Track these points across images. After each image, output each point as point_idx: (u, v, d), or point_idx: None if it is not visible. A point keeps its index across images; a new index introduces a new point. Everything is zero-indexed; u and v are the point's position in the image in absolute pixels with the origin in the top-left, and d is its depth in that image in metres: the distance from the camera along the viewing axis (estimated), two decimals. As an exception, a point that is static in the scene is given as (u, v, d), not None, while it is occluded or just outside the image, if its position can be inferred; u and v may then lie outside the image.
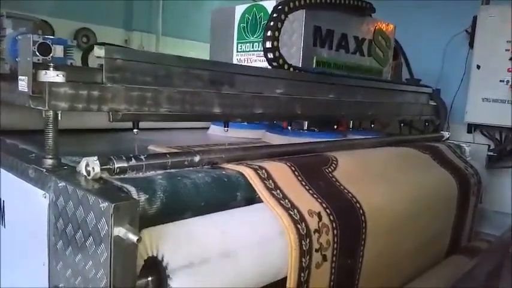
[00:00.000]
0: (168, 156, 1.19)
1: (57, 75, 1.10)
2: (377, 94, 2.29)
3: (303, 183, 1.41)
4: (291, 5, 1.91)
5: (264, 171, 1.31)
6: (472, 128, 3.08)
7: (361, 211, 1.50)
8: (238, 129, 2.12)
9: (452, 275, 1.82)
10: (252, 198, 1.27)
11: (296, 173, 1.42)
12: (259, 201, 1.26)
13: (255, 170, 1.30)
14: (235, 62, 2.28)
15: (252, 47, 2.18)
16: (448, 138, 2.67)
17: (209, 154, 1.29)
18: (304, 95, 1.83)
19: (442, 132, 2.71)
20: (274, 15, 1.86)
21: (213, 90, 1.43)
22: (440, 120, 2.86)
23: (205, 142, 1.80)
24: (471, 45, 3.03)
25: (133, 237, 0.82)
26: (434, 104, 2.85)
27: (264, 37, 1.85)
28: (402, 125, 2.80)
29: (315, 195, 1.39)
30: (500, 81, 2.82)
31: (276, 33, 1.84)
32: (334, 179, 1.54)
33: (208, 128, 2.28)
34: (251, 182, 1.26)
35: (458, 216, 2.24)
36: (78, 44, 7.04)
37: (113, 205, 0.82)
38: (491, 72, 2.86)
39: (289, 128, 2.07)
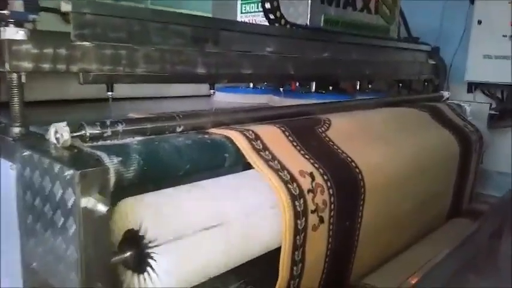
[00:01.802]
0: (146, 121, 1.08)
1: (18, 32, 0.98)
2: (375, 52, 2.18)
3: (294, 143, 1.32)
4: None
5: (251, 132, 1.22)
6: (472, 87, 2.96)
7: (357, 170, 1.42)
8: (243, 94, 2.04)
9: (454, 239, 1.77)
10: (241, 164, 1.18)
11: (286, 133, 1.33)
12: (250, 167, 1.17)
13: (241, 131, 1.20)
14: None
15: (257, 7, 2.06)
16: (448, 98, 2.58)
17: (193, 119, 1.19)
18: (297, 54, 1.71)
19: (441, 92, 2.61)
20: None
21: (196, 48, 1.31)
22: (439, 79, 2.76)
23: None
24: (472, 0, 2.87)
25: (103, 208, 0.73)
26: (434, 62, 2.74)
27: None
28: (400, 85, 2.69)
29: (307, 156, 1.31)
30: (503, 36, 2.69)
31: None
32: (327, 139, 1.46)
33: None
34: (237, 144, 1.17)
35: (460, 176, 2.19)
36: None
37: (78, 172, 0.73)
38: (493, 27, 2.72)
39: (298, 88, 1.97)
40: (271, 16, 1.85)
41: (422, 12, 3.00)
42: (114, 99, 1.64)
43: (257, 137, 1.23)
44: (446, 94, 2.58)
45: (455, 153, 2.10)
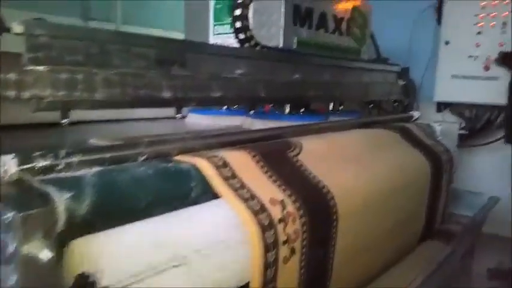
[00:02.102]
0: (105, 150, 1.01)
1: (-39, 56, 0.90)
2: (346, 74, 2.18)
3: (265, 169, 1.27)
4: None
5: (219, 158, 1.16)
6: (441, 106, 3.01)
7: (330, 195, 1.38)
8: (216, 116, 2.00)
9: (428, 262, 1.74)
10: (209, 194, 1.11)
11: (257, 158, 1.28)
12: (219, 197, 1.10)
13: (209, 158, 1.14)
14: None
15: (230, 29, 2.04)
16: (417, 118, 2.60)
17: (158, 145, 1.12)
18: (268, 76, 1.68)
19: (411, 112, 2.63)
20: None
21: (161, 71, 1.25)
22: (409, 99, 2.78)
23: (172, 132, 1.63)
24: (439, 21, 2.94)
25: (49, 254, 0.65)
26: (403, 83, 2.77)
27: (232, 16, 1.76)
28: (371, 106, 2.70)
29: (278, 182, 1.26)
30: (469, 56, 2.75)
31: (245, 12, 1.76)
32: (299, 163, 1.42)
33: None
34: (204, 172, 1.10)
35: (432, 196, 2.19)
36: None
37: (20, 215, 0.65)
38: (460, 48, 2.79)
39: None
40: (242, 36, 1.83)
41: (392, 32, 3.05)
42: (78, 123, 1.56)
43: (225, 164, 1.17)
44: (416, 114, 2.60)
45: (426, 174, 2.10)
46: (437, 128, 2.55)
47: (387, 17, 2.68)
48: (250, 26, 2.06)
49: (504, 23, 2.61)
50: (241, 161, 1.24)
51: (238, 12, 1.80)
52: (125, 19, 6.96)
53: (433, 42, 3.02)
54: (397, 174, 1.84)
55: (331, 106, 2.42)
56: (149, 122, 2.03)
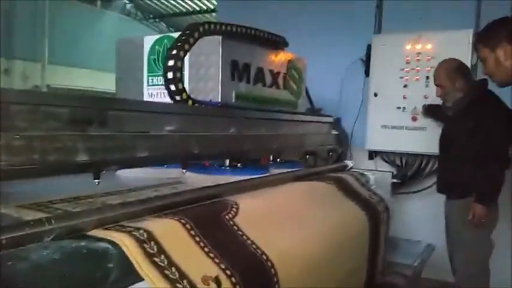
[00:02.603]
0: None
1: None
2: (282, 126, 2.15)
3: (197, 239, 1.15)
4: (200, 31, 1.80)
5: (142, 231, 1.02)
6: (373, 154, 3.09)
7: (269, 263, 1.28)
8: (151, 170, 1.85)
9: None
10: (131, 276, 0.96)
11: (188, 226, 1.15)
12: (142, 278, 0.96)
13: (130, 232, 1.00)
14: (146, 95, 2.16)
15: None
16: (352, 167, 2.62)
17: (69, 220, 0.96)
18: (201, 131, 1.59)
19: (345, 161, 2.65)
20: (179, 43, 1.73)
21: (76, 131, 1.11)
22: (342, 148, 2.82)
23: (93, 192, 1.44)
24: (367, 73, 3.07)
25: None
26: (336, 133, 2.80)
27: (165, 67, 1.70)
28: (307, 156, 2.68)
29: (212, 254, 1.14)
30: (397, 108, 2.86)
31: (179, 63, 1.69)
32: (235, 227, 1.31)
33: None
34: (125, 249, 0.96)
35: (372, 248, 2.15)
36: None
37: None
38: (388, 99, 2.90)
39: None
40: (173, 87, 1.73)
41: (323, 83, 3.11)
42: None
43: (150, 237, 1.03)
44: (350, 163, 2.62)
45: (364, 226, 2.08)
46: (371, 177, 2.57)
47: (318, 69, 2.74)
48: (184, 78, 2.03)
49: (427, 77, 2.77)
50: (170, 231, 1.11)
51: (171, 63, 1.71)
52: (52, 59, 6.62)
53: (362, 93, 3.14)
54: (335, 230, 1.79)
55: (271, 158, 2.44)
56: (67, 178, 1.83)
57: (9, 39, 5.98)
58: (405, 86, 2.86)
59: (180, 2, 9.33)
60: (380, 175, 2.64)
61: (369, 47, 3.03)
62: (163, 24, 10.19)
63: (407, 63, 2.84)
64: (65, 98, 1.09)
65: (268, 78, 2.30)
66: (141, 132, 1.32)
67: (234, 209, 1.38)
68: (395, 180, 2.73)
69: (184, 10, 9.69)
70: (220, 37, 1.95)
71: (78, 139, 1.11)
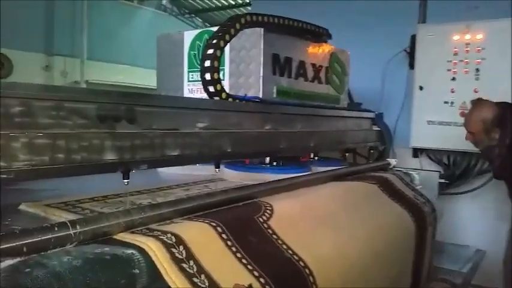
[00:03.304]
0: (20, 237, 0.78)
1: None
2: (320, 122, 2.04)
3: (229, 243, 1.07)
4: (241, 22, 1.74)
5: (170, 235, 0.95)
6: (418, 152, 2.90)
7: (306, 270, 1.19)
8: (190, 167, 1.78)
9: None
10: (159, 283, 0.89)
11: (219, 230, 1.08)
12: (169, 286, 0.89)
13: (158, 236, 0.93)
14: (186, 92, 2.14)
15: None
16: (395, 166, 2.47)
17: (93, 224, 0.90)
18: (235, 129, 1.50)
19: (388, 159, 2.50)
20: (219, 33, 1.67)
21: (104, 129, 1.05)
22: (385, 146, 2.66)
23: (124, 190, 1.40)
24: (411, 65, 2.88)
25: None
26: (378, 129, 2.65)
27: (201, 68, 1.63)
28: (347, 154, 2.55)
29: (244, 260, 1.06)
30: (445, 102, 2.67)
31: (218, 53, 1.63)
32: (270, 231, 1.23)
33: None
34: (151, 254, 0.89)
35: (417, 253, 2.01)
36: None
37: None
38: (434, 93, 2.72)
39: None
40: (211, 89, 1.66)
41: (364, 76, 2.96)
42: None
43: (179, 242, 0.96)
44: (393, 162, 2.47)
45: (410, 230, 1.94)
46: (416, 176, 2.41)
47: (359, 61, 2.59)
48: (224, 72, 1.99)
49: (477, 69, 2.57)
50: (200, 235, 1.03)
51: (207, 63, 1.64)
52: (91, 54, 6.75)
53: (406, 86, 2.96)
54: (379, 234, 1.66)
55: (312, 155, 2.34)
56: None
57: (50, 36, 6.14)
58: (453, 79, 2.66)
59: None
60: (426, 174, 2.48)
61: (413, 38, 2.85)
62: (199, 20, 10.21)
63: (456, 54, 2.64)
64: (89, 94, 1.03)
65: (310, 73, 2.21)
66: (171, 129, 1.25)
67: (268, 211, 1.29)
68: (442, 180, 2.55)
69: (220, 5, 9.66)
70: (261, 30, 1.88)
71: (105, 137, 1.05)
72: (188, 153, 1.30)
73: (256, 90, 1.89)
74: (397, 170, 2.44)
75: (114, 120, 1.08)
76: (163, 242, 0.93)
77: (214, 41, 1.68)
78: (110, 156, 1.05)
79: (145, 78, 6.54)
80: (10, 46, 5.48)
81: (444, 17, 2.76)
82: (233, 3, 9.31)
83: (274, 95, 1.97)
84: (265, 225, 1.23)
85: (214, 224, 1.08)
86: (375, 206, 1.84)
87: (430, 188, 2.45)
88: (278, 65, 1.99)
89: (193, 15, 10.22)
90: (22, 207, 1.18)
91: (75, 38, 6.52)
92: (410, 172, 2.43)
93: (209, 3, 9.78)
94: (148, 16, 7.91)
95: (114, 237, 0.94)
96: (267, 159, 1.99)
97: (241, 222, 1.18)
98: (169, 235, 0.96)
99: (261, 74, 1.89)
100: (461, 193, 2.81)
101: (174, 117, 1.28)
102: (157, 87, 2.36)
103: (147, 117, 1.18)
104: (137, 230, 0.98)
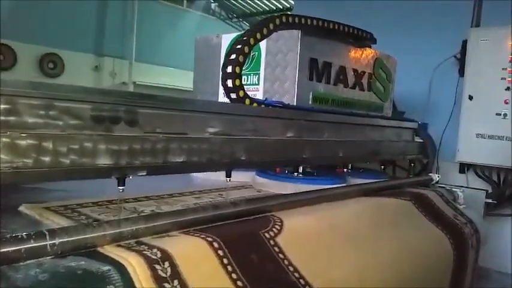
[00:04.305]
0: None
1: None
2: (349, 131, 1.89)
3: (225, 261, 0.97)
4: (268, 28, 1.63)
5: (156, 250, 0.87)
6: (465, 167, 2.66)
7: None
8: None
9: None
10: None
11: (216, 245, 0.98)
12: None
13: (141, 251, 0.85)
14: (221, 95, 2.06)
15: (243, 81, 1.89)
16: (437, 182, 2.27)
17: (74, 234, 0.84)
18: (253, 135, 1.41)
19: (430, 174, 2.30)
20: (238, 46, 1.57)
21: (100, 131, 0.99)
22: (428, 159, 2.45)
23: (132, 194, 1.35)
24: (461, 72, 2.65)
25: None
26: (421, 140, 2.45)
27: (223, 74, 1.56)
28: (382, 166, 2.38)
29: (240, 282, 0.96)
30: (497, 114, 2.43)
31: (237, 69, 1.54)
32: (276, 248, 1.12)
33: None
34: (130, 270, 0.81)
35: (455, 279, 1.81)
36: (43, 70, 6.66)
37: None
38: (485, 103, 2.47)
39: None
40: (233, 96, 1.58)
41: (409, 83, 2.76)
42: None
43: (165, 258, 0.87)
44: (435, 177, 2.27)
45: (447, 254, 1.75)
46: (460, 194, 2.20)
47: (405, 67, 2.41)
48: (257, 82, 1.93)
49: (536, 78, 2.31)
50: (192, 251, 0.94)
51: (229, 69, 1.56)
52: (139, 56, 6.91)
53: (455, 95, 2.72)
54: (408, 259, 1.49)
55: (349, 166, 2.23)
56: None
57: (100, 37, 6.34)
58: (507, 88, 2.40)
59: (264, 0, 9.27)
60: (471, 192, 2.26)
61: (464, 43, 2.62)
62: (246, 24, 10.23)
63: (511, 62, 2.39)
64: (83, 92, 0.97)
65: (351, 79, 2.08)
66: (177, 134, 1.17)
67: (277, 226, 1.18)
68: (489, 200, 2.31)
69: (268, 9, 9.61)
70: (299, 33, 1.79)
71: (99, 140, 0.98)
72: (195, 160, 1.21)
73: (291, 96, 1.81)
74: (439, 187, 2.24)
75: (112, 121, 1.02)
76: (146, 258, 0.85)
77: (238, 46, 1.60)
78: (103, 161, 0.98)
79: (190, 81, 6.59)
80: (61, 46, 5.71)
81: (500, 21, 2.51)
82: (280, 7, 9.23)
83: (310, 101, 1.87)
84: (271, 242, 1.12)
85: (210, 239, 0.98)
86: (407, 226, 1.67)
87: (475, 208, 2.22)
88: (316, 70, 1.89)
89: (241, 19, 10.25)
90: (22, 208, 1.15)
91: (125, 40, 6.70)
92: (454, 189, 2.22)
93: (257, 7, 9.77)
94: (195, 19, 8.01)
95: (99, 250, 0.88)
96: (300, 168, 1.89)
97: (243, 238, 1.08)
98: (155, 250, 0.87)
99: (297, 79, 1.80)
100: (510, 215, 2.53)
101: (181, 121, 1.20)
102: (194, 90, 2.34)
103: (151, 120, 1.11)
104: (125, 243, 0.91)
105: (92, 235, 0.88)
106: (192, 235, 1.00)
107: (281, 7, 9.26)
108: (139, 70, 6.69)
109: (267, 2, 9.47)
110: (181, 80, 6.69)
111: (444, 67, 2.82)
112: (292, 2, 8.15)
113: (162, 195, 1.41)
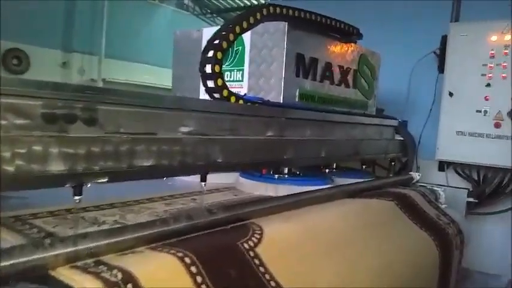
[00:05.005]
0: None
1: None
2: (330, 130, 1.81)
3: (199, 279, 0.86)
4: (255, 17, 1.55)
5: (117, 271, 0.74)
6: (444, 165, 2.61)
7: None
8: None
9: None
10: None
11: (188, 261, 0.86)
12: None
13: (99, 273, 0.73)
14: (202, 93, 1.93)
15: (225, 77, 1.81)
16: (418, 181, 2.21)
17: (23, 255, 0.71)
18: (225, 135, 1.29)
19: (410, 173, 2.24)
20: (223, 32, 1.49)
21: (52, 132, 0.85)
22: (408, 157, 2.39)
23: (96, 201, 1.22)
24: (441, 69, 2.59)
25: None
26: (401, 139, 2.38)
27: (202, 59, 1.46)
28: (363, 166, 2.30)
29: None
30: (477, 111, 2.38)
31: (219, 55, 1.44)
32: (256, 261, 1.01)
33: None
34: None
35: (442, 283, 1.75)
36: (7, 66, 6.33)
37: None
38: (465, 100, 2.43)
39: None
40: (210, 84, 1.46)
41: (387, 80, 2.69)
42: None
43: (128, 280, 0.75)
44: (416, 176, 2.21)
45: (433, 257, 1.68)
46: (442, 193, 2.15)
47: (382, 63, 2.34)
48: (241, 79, 1.84)
49: (517, 74, 2.27)
50: (159, 270, 0.82)
51: (210, 53, 1.45)
52: (109, 52, 6.64)
53: (434, 92, 2.67)
54: (395, 264, 1.41)
55: (334, 165, 2.19)
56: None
57: (68, 32, 6.07)
58: (488, 85, 2.36)
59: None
60: (453, 192, 2.21)
61: (444, 38, 2.57)
62: (221, 20, 10.04)
63: (492, 57, 2.35)
64: (32, 85, 0.83)
65: (337, 75, 2.02)
66: (145, 133, 1.04)
67: (257, 235, 1.07)
68: (471, 199, 2.27)
69: (243, 5, 9.46)
70: (285, 27, 1.70)
71: (51, 142, 0.85)
72: (166, 164, 1.09)
73: (277, 93, 1.73)
74: (420, 186, 2.18)
75: (67, 120, 0.88)
76: (105, 281, 0.72)
77: (223, 33, 1.49)
78: (56, 167, 0.85)
79: (165, 78, 6.43)
80: (27, 41, 5.42)
81: (480, 16, 2.47)
82: (255, 3, 9.10)
83: (297, 99, 1.79)
84: (250, 254, 1.01)
85: (180, 254, 0.86)
86: (392, 229, 1.59)
87: (457, 207, 2.18)
88: (302, 66, 1.81)
89: (215, 15, 10.07)
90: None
91: (94, 35, 6.43)
92: (435, 188, 2.16)
93: (232, 3, 9.61)
94: (168, 14, 7.79)
95: (50, 273, 0.75)
96: (285, 170, 1.81)
97: (219, 250, 0.96)
98: (115, 271, 0.75)
99: (283, 76, 1.72)
100: (491, 213, 2.50)
101: (149, 119, 1.07)
102: (173, 88, 2.21)
103: (113, 118, 0.98)
104: (81, 264, 0.78)
105: (41, 256, 0.74)
106: (160, 251, 0.87)
107: (256, 3, 9.14)
108: (111, 67, 6.43)
109: (241, -2, 9.34)
110: (156, 77, 6.48)
111: (423, 63, 2.77)
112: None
113: (128, 202, 1.28)
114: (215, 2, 9.62)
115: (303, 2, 1.81)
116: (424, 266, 1.63)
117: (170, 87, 2.27)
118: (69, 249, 0.78)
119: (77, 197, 0.90)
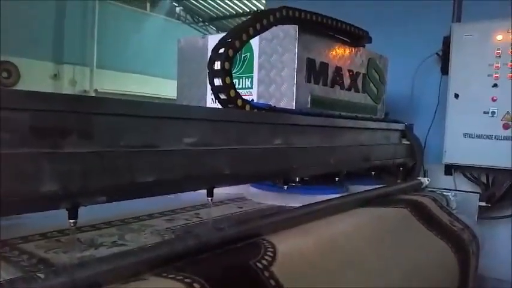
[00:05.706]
0: None
1: None
2: (342, 135, 1.74)
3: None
4: (268, 20, 1.48)
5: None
6: (451, 169, 2.54)
7: None
8: None
9: None
10: None
11: (197, 287, 0.76)
12: None
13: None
14: (209, 101, 1.94)
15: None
16: (427, 186, 2.13)
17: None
18: (232, 145, 1.20)
19: (419, 178, 2.16)
20: (228, 39, 1.43)
21: (43, 148, 0.76)
22: (416, 162, 2.31)
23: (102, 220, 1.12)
24: (444, 70, 2.53)
25: None
26: (408, 143, 2.31)
27: (210, 71, 1.39)
28: (373, 172, 2.22)
29: None
30: (484, 112, 2.32)
31: (227, 65, 1.37)
32: (272, 281, 0.91)
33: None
34: None
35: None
36: (-3, 79, 6.21)
37: None
38: (472, 102, 2.36)
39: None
40: (222, 96, 1.39)
41: (390, 83, 2.62)
42: None
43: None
44: (425, 181, 2.13)
45: (452, 267, 1.60)
46: (452, 198, 2.07)
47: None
48: (250, 86, 1.80)
49: (525, 74, 2.21)
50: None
51: (217, 66, 1.38)
52: (101, 63, 6.52)
53: (439, 94, 2.61)
54: (417, 277, 1.33)
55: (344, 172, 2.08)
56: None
57: (59, 44, 5.97)
58: (495, 85, 2.30)
59: (229, 3, 9.06)
60: (464, 196, 2.13)
61: (446, 39, 2.51)
62: (213, 28, 10.00)
63: (498, 57, 2.29)
64: (18, 97, 0.74)
65: (347, 80, 1.98)
66: (146, 147, 0.95)
67: (269, 253, 0.97)
68: (483, 203, 2.19)
69: (235, 12, 9.43)
70: (296, 32, 1.66)
71: (42, 159, 0.75)
72: (169, 179, 1.00)
73: (289, 100, 1.69)
74: (429, 191, 2.10)
75: (59, 135, 0.79)
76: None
77: (229, 40, 1.41)
78: (47, 187, 0.75)
79: (159, 88, 6.35)
80: (16, 54, 5.31)
81: (481, 16, 2.41)
82: (248, 10, 9.07)
83: (309, 105, 1.75)
84: (265, 274, 0.92)
85: (189, 280, 0.77)
86: (409, 239, 1.51)
87: (468, 212, 2.10)
88: (313, 71, 1.76)
89: (207, 23, 10.01)
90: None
91: (85, 46, 6.32)
92: (446, 193, 2.09)
93: (223, 11, 9.56)
94: (159, 24, 7.73)
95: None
96: (297, 178, 1.72)
97: (231, 272, 0.87)
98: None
99: (295, 81, 1.68)
100: (502, 217, 2.43)
101: (150, 131, 0.98)
102: (178, 96, 2.15)
103: (110, 131, 0.88)
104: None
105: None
106: (165, 277, 0.77)
107: (248, 10, 9.10)
108: (103, 77, 6.33)
109: (234, 6, 9.28)
110: (149, 86, 6.39)
111: (426, 65, 2.70)
112: (260, 6, 8.02)
113: (127, 219, 1.18)
114: (207, 10, 9.58)
115: (303, 2, 1.74)
116: (444, 276, 1.54)
117: (167, 97, 2.21)
118: (61, 280, 0.68)
119: (71, 221, 0.80)
